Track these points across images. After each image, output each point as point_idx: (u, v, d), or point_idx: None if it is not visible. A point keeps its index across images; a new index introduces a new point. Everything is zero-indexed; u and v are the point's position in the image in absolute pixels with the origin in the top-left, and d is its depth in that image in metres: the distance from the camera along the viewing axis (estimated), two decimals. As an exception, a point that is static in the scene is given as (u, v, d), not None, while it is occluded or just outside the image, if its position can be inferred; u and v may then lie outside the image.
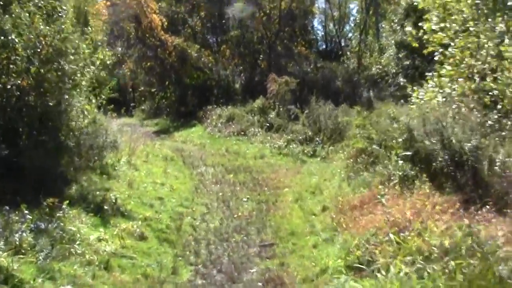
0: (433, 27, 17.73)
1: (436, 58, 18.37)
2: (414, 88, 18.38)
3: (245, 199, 17.68)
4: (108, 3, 45.92)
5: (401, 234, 10.27)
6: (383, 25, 40.42)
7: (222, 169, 23.08)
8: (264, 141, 29.43)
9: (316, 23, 56.07)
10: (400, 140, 15.04)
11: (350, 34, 56.67)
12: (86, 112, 17.64)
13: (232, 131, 33.13)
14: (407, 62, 34.32)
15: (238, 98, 41.12)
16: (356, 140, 19.27)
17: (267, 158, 25.82)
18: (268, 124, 32.25)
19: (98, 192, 15.17)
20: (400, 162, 14.46)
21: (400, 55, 34.81)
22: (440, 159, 13.50)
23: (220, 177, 21.53)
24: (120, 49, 53.32)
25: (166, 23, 45.44)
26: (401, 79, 34.22)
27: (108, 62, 21.63)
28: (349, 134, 22.16)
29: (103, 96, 20.06)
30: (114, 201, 14.67)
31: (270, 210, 16.35)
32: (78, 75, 16.47)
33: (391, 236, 10.29)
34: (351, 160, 18.88)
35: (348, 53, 47.54)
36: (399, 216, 11.14)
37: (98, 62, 19.12)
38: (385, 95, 34.98)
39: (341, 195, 15.63)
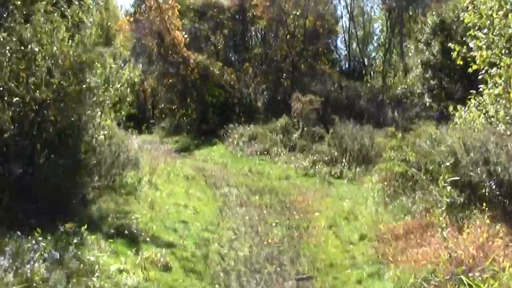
0: (480, 44, 16.28)
1: (480, 77, 16.96)
2: (458, 106, 16.97)
3: (274, 224, 16.37)
4: (131, 19, 45.21)
5: (470, 274, 8.88)
6: (409, 45, 39.12)
7: (247, 190, 21.77)
8: (288, 161, 28.24)
9: (339, 42, 54.95)
10: (447, 164, 13.62)
11: (373, 54, 55.57)
12: (107, 128, 16.57)
13: (254, 150, 31.92)
14: (433, 82, 33.00)
15: (261, 116, 40.03)
16: (392, 163, 17.91)
17: (292, 179, 24.58)
18: (291, 144, 31.06)
19: (118, 215, 14.14)
20: (448, 188, 13.04)
21: (426, 75, 33.49)
22: (487, 187, 12.23)
23: (245, 198, 20.23)
24: (141, 65, 52.36)
25: (188, 40, 44.39)
26: (427, 99, 33.04)
27: (135, 80, 20.40)
28: (382, 155, 20.72)
29: (123, 112, 18.93)
30: (135, 225, 13.43)
31: (303, 237, 15.01)
32: (102, 90, 15.26)
33: (462, 278, 8.89)
34: (385, 183, 17.59)
35: (372, 72, 46.25)
36: (460, 251, 9.76)
37: (124, 79, 17.92)
38: (409, 115, 33.80)
39: (380, 222, 14.32)
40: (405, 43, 45.07)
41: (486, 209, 11.89)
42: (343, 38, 53.98)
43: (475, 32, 16.65)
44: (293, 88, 38.89)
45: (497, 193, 12.19)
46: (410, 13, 47.62)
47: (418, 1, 45.78)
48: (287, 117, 34.10)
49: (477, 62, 16.63)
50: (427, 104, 33.69)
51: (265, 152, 31.09)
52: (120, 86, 17.50)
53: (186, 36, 43.95)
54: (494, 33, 15.93)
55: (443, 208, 12.82)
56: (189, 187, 20.85)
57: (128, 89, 18.45)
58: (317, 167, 26.08)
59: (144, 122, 54.24)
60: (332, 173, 25.14)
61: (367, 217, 15.69)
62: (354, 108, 37.29)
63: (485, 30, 16.30)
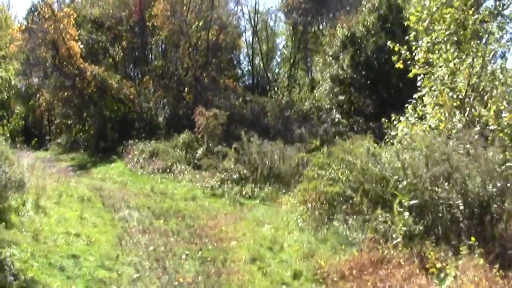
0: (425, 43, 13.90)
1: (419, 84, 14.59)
2: (401, 118, 14.43)
3: (183, 256, 13.19)
4: (23, 27, 41.46)
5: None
6: (317, 59, 36.86)
7: (149, 213, 18.62)
8: (194, 180, 25.68)
9: (242, 57, 52.66)
10: (403, 183, 10.90)
11: (277, 69, 53.50)
12: None
13: (156, 168, 29.36)
14: (342, 97, 30.77)
15: (162, 132, 37.58)
16: (318, 182, 15.21)
17: (199, 200, 21.68)
18: (196, 161, 28.28)
19: None
20: (406, 214, 10.29)
21: (335, 90, 31.29)
22: (454, 209, 9.65)
23: (148, 223, 17.02)
24: (36, 79, 48.71)
25: (85, 52, 40.96)
26: (336, 115, 30.79)
27: (12, 81, 17.09)
28: (298, 174, 18.02)
29: (11, 126, 15.64)
30: (10, 263, 10.14)
31: (221, 274, 11.83)
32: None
33: None
34: (309, 206, 14.90)
35: (276, 88, 43.78)
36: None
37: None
38: (317, 131, 31.48)
39: (315, 255, 11.50)
40: (310, 58, 43.05)
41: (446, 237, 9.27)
42: (247, 53, 51.82)
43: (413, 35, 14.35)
44: (196, 103, 36.07)
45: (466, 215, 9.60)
46: (315, 28, 45.67)
47: (323, 15, 43.90)
48: (189, 133, 31.73)
49: (417, 65, 14.16)
50: (336, 119, 31.41)
51: (168, 170, 28.62)
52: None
53: (82, 47, 40.54)
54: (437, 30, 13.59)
55: (398, 240, 10.08)
56: (83, 210, 17.50)
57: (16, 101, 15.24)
58: (225, 186, 23.59)
59: (40, 139, 50.70)
60: (243, 193, 22.49)
61: (296, 248, 12.89)
62: (260, 124, 34.68)
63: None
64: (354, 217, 12.69)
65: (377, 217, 11.54)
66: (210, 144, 29.01)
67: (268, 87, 45.78)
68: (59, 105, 45.19)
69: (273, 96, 39.69)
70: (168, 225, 16.84)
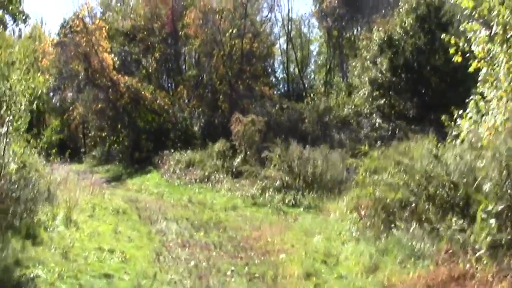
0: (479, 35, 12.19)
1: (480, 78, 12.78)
2: (465, 113, 12.68)
3: (229, 273, 11.64)
4: (55, 41, 40.78)
5: None
6: (354, 63, 35.26)
7: (188, 225, 17.19)
8: (233, 189, 24.33)
9: (277, 64, 51.35)
10: (487, 187, 9.22)
11: (312, 76, 52.09)
12: (12, 155, 12.76)
13: (193, 177, 28.32)
14: (382, 101, 29.15)
15: (198, 142, 36.22)
16: (373, 188, 13.63)
17: (240, 210, 20.25)
18: (234, 170, 26.94)
19: (14, 270, 9.74)
20: (492, 221, 8.63)
21: (374, 94, 29.67)
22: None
23: (187, 236, 15.55)
24: (70, 94, 47.96)
25: (118, 64, 39.92)
26: (377, 120, 29.17)
27: (40, 91, 15.88)
28: (355, 179, 16.38)
29: (44, 138, 14.53)
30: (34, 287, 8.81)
31: (274, 293, 10.29)
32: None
33: None
34: (362, 213, 13.32)
35: (312, 94, 42.19)
36: None
37: (28, 92, 13.57)
38: (357, 137, 29.92)
39: (379, 270, 9.87)
40: (346, 64, 41.52)
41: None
42: (281, 60, 50.57)
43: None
44: (232, 111, 34.63)
45: None
46: (350, 33, 44.19)
47: (358, 20, 42.37)
48: (224, 141, 30.49)
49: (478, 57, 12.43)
50: (377, 124, 29.77)
51: (205, 180, 27.47)
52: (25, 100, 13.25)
53: (115, 59, 39.42)
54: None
55: (482, 251, 8.44)
56: (118, 224, 16.13)
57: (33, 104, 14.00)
58: (267, 194, 22.10)
59: (75, 152, 49.96)
60: (286, 201, 20.97)
61: (355, 260, 11.27)
62: (298, 131, 33.18)
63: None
64: (418, 225, 11.05)
65: (450, 225, 9.91)
66: (248, 152, 27.58)
67: (304, 94, 44.24)
68: (93, 118, 44.33)
69: (310, 103, 38.18)
70: (209, 237, 15.37)
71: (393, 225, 12.11)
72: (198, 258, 12.85)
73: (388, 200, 12.65)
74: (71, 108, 50.63)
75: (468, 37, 12.88)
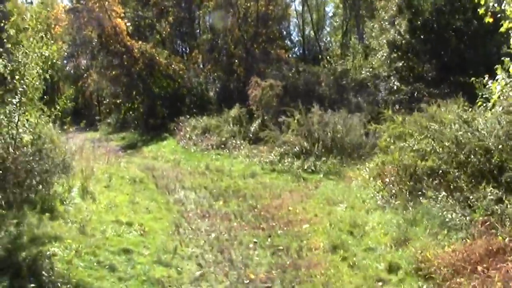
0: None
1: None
2: (495, 79, 12.01)
3: (251, 245, 11.19)
4: (67, 7, 40.08)
5: None
6: (371, 25, 34.34)
7: (207, 194, 16.79)
8: (251, 155, 23.74)
9: (292, 27, 50.45)
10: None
11: (328, 38, 51.08)
12: (28, 126, 12.32)
13: (210, 144, 27.63)
14: (400, 64, 28.37)
15: (214, 107, 35.61)
16: (394, 155, 13.09)
17: (259, 177, 19.66)
18: (252, 135, 26.53)
19: (30, 247, 9.28)
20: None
21: (392, 56, 28.87)
22: None
23: (207, 206, 15.13)
24: (84, 61, 47.45)
25: (132, 29, 39.21)
26: (396, 82, 28.43)
27: (54, 60, 15.37)
28: (378, 144, 15.82)
29: (59, 107, 14.19)
30: (49, 266, 8.37)
31: (299, 267, 9.72)
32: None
33: None
34: (387, 180, 12.80)
35: (329, 57, 41.34)
36: None
37: (42, 60, 13.09)
38: (376, 100, 29.17)
39: (410, 242, 9.39)
40: (363, 25, 40.54)
41: None
42: (296, 23, 49.70)
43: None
44: (248, 76, 33.97)
45: None
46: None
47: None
48: (240, 107, 29.99)
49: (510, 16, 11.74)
50: (395, 87, 29.02)
51: (222, 146, 26.94)
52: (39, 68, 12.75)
53: (128, 24, 38.79)
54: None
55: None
56: (135, 194, 15.68)
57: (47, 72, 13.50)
58: (286, 160, 21.58)
59: (90, 120, 49.79)
60: (305, 167, 20.45)
61: (382, 231, 10.77)
62: (315, 94, 32.40)
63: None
64: (449, 194, 10.50)
65: (485, 194, 9.37)
66: (266, 117, 27.00)
67: (320, 57, 43.53)
68: (108, 85, 43.82)
69: (326, 66, 37.40)
70: (229, 207, 14.98)
71: (420, 194, 11.59)
72: (218, 230, 12.44)
73: (415, 167, 12.09)
74: (85, 75, 50.12)
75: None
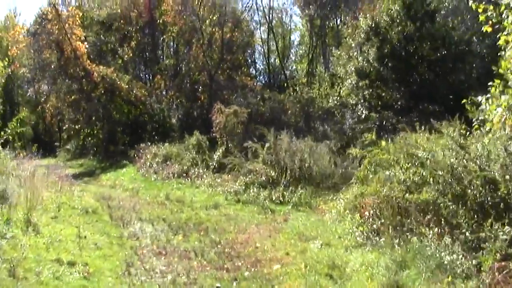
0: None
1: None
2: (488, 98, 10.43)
3: (214, 291, 9.38)
4: (25, 28, 38.34)
5: None
6: (339, 52, 33.09)
7: (165, 227, 14.95)
8: (214, 185, 21.98)
9: (257, 54, 49.32)
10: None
11: (293, 66, 49.96)
12: None
13: (171, 172, 25.81)
14: (368, 92, 27.11)
15: (176, 134, 34.13)
16: (374, 186, 11.47)
17: (223, 208, 17.92)
18: (215, 164, 24.79)
19: None
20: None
21: (360, 84, 27.56)
22: None
23: (164, 240, 13.29)
24: (46, 87, 45.51)
25: (95, 54, 37.60)
26: (364, 111, 27.14)
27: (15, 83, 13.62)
28: (357, 174, 14.18)
29: (8, 130, 12.49)
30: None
31: (271, 321, 8.00)
32: None
33: None
34: (366, 214, 11.17)
35: (295, 85, 40.00)
36: None
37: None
38: (341, 129, 28.10)
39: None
40: (329, 53, 39.44)
41: None
42: (262, 51, 48.70)
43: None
44: (211, 103, 32.50)
45: None
46: (333, 22, 42.00)
47: (341, 8, 40.18)
48: (201, 134, 28.31)
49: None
50: (363, 116, 27.65)
51: (184, 174, 25.13)
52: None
53: (90, 49, 37.14)
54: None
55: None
56: (85, 226, 13.79)
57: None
58: (251, 190, 19.81)
59: (51, 146, 48.04)
60: (273, 198, 18.80)
61: (366, 274, 9.04)
62: (280, 122, 30.90)
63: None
64: (444, 232, 8.86)
65: (497, 234, 7.71)
66: (230, 145, 25.33)
67: (285, 85, 42.27)
68: (67, 110, 41.81)
69: (292, 94, 36.02)
70: (189, 242, 13.18)
71: (407, 230, 9.94)
72: (176, 270, 10.63)
73: (402, 200, 10.43)
74: (44, 100, 48.16)
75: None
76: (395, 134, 15.82)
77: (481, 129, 10.38)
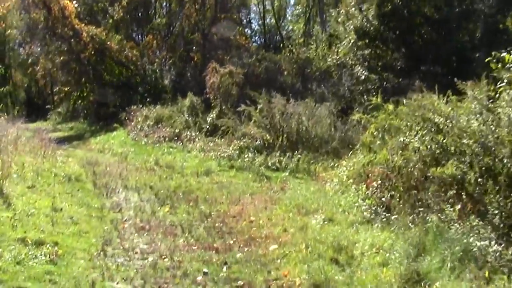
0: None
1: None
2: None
3: (199, 277, 7.87)
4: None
5: None
6: (338, 10, 31.46)
7: (151, 196, 13.57)
8: (206, 149, 20.72)
9: (253, 14, 47.71)
10: None
11: (289, 27, 48.35)
12: None
13: (162, 135, 24.57)
14: (367, 52, 25.53)
15: (168, 96, 32.42)
16: (385, 153, 9.96)
17: (215, 175, 16.61)
18: (208, 127, 23.49)
19: None
20: None
21: (359, 44, 26.03)
22: None
23: (149, 212, 11.83)
24: (38, 48, 43.80)
25: (85, 14, 35.95)
26: (364, 72, 25.72)
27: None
28: (362, 140, 12.67)
29: None
30: None
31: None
32: None
33: None
34: (373, 185, 9.71)
35: (291, 45, 38.36)
36: None
37: None
38: (338, 90, 27.28)
39: (427, 280, 6.30)
40: (328, 13, 37.64)
41: None
42: (257, 11, 46.97)
43: None
44: (205, 63, 30.88)
45: None
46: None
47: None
48: (194, 96, 26.79)
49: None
50: (363, 76, 26.16)
51: (176, 138, 23.91)
52: None
53: (79, 8, 35.28)
54: None
55: None
56: (64, 196, 12.36)
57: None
58: (246, 156, 18.57)
59: (43, 109, 46.79)
60: (269, 164, 17.55)
61: (379, 259, 7.61)
62: (276, 84, 29.45)
63: None
64: (469, 211, 7.41)
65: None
66: (224, 107, 23.84)
67: (281, 46, 40.67)
68: (57, 72, 40.03)
69: (288, 54, 34.39)
70: (176, 214, 11.78)
71: (424, 206, 8.48)
72: (159, 250, 9.14)
73: (417, 171, 8.95)
74: (35, 62, 46.43)
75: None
76: (397, 96, 14.27)
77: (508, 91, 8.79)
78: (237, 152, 18.98)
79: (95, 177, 15.91)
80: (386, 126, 11.24)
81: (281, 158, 17.74)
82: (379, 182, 10.24)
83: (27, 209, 10.48)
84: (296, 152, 18.03)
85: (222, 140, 21.27)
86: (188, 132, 23.80)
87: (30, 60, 49.65)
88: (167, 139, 23.88)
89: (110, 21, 41.24)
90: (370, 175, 10.88)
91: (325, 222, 9.97)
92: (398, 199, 9.34)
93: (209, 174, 16.55)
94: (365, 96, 22.87)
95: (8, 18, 44.17)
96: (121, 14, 41.17)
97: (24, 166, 14.37)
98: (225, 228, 10.57)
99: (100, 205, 12.36)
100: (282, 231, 9.93)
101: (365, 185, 10.86)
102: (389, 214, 9.26)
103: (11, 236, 8.80)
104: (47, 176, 14.36)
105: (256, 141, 19.48)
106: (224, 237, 9.93)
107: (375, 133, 11.65)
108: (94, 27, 35.16)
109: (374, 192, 10.24)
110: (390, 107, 11.69)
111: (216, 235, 10.04)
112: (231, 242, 9.59)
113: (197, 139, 22.61)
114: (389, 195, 9.75)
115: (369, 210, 9.89)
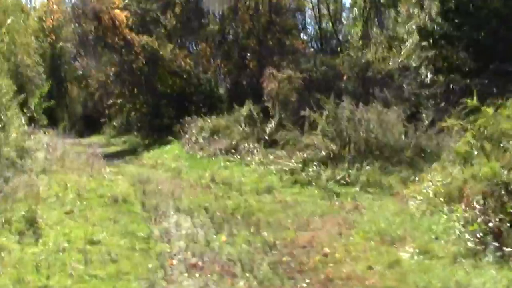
0: None
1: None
2: None
3: None
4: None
5: None
6: (398, 9, 29.59)
7: (206, 220, 11.67)
8: (266, 162, 18.84)
9: (308, 19, 47.89)
10: None
11: (346, 30, 46.98)
12: None
13: (218, 148, 23.05)
14: (432, 52, 23.62)
15: (224, 105, 31.68)
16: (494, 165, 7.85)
17: (277, 192, 14.62)
18: (267, 137, 22.13)
19: None
20: None
21: (423, 44, 24.27)
22: None
23: (203, 243, 9.90)
24: (90, 61, 43.11)
25: (136, 24, 35.25)
26: (429, 74, 24.00)
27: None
28: (456, 149, 10.58)
29: (31, 107, 10.32)
30: None
31: None
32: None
33: None
34: (475, 206, 7.58)
35: (348, 49, 36.57)
36: None
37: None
38: (402, 94, 25.21)
39: None
40: (385, 14, 35.95)
41: None
42: (312, 15, 46.19)
43: None
44: (261, 70, 29.65)
45: None
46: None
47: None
48: (251, 104, 25.08)
49: None
50: (428, 79, 24.27)
51: (233, 150, 22.28)
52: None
53: (128, 15, 34.39)
54: None
55: None
56: (105, 224, 10.64)
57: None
58: (310, 169, 16.45)
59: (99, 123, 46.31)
60: (337, 177, 15.43)
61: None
62: (335, 89, 27.56)
63: None
64: None
65: None
66: (283, 115, 22.09)
67: (338, 50, 38.89)
68: (111, 84, 39.07)
69: (347, 58, 32.55)
70: (235, 245, 9.70)
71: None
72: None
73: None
74: (89, 75, 45.80)
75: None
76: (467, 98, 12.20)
77: None
78: (301, 165, 17.06)
79: (144, 197, 14.26)
80: (486, 132, 9.12)
81: (350, 171, 15.71)
82: (482, 202, 8.10)
83: (58, 243, 8.75)
84: (364, 162, 15.98)
85: (283, 151, 19.48)
86: (246, 144, 22.21)
87: (83, 73, 49.05)
88: (223, 151, 22.44)
89: (163, 30, 40.23)
90: (466, 192, 8.74)
91: (418, 256, 7.87)
92: (509, 225, 7.24)
93: (270, 191, 14.68)
94: (431, 100, 21.81)
95: (59, 31, 43.66)
96: (174, 22, 40.18)
97: (66, 186, 12.95)
98: (294, 263, 8.53)
99: (147, 234, 10.49)
100: (367, 268, 7.84)
101: (463, 205, 8.71)
102: (499, 245, 7.16)
103: (30, 283, 7.00)
104: (90, 198, 12.95)
105: (320, 151, 17.55)
106: (294, 277, 7.90)
107: (472, 142, 9.52)
108: (145, 37, 34.01)
109: (479, 216, 8.08)
110: (490, 110, 9.53)
111: (284, 275, 8.00)
112: (304, 285, 7.55)
113: (255, 151, 21.02)
114: (497, 219, 7.62)
115: (474, 240, 7.75)
